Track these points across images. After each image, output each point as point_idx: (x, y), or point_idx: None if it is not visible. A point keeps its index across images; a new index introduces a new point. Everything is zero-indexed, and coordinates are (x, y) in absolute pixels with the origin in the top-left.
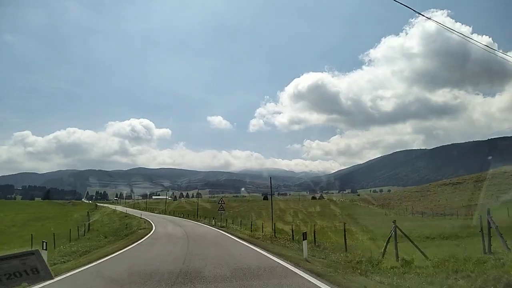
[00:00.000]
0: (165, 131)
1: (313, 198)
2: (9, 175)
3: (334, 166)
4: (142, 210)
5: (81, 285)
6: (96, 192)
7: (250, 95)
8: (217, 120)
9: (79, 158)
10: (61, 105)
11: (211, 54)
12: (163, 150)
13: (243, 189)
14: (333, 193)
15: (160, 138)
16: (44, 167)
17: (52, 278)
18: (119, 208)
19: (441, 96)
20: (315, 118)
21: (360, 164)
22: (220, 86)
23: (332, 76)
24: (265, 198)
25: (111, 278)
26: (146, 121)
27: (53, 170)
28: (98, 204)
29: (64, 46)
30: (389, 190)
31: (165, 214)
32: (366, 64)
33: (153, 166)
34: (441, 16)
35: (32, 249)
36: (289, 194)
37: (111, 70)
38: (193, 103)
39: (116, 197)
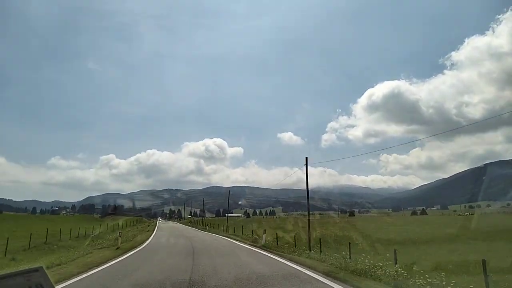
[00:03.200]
0: (238, 150)
1: (413, 213)
2: (96, 195)
3: (415, 181)
4: (193, 226)
5: None
6: (170, 210)
7: (320, 109)
8: (287, 137)
9: (158, 179)
10: (141, 129)
11: (280, 70)
12: (236, 169)
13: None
14: (419, 210)
15: (232, 156)
16: (128, 188)
17: None
18: (168, 224)
19: None
20: (393, 129)
21: (445, 178)
22: (289, 102)
23: (410, 84)
24: (352, 215)
25: None
26: (219, 141)
27: (135, 191)
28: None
29: (140, 72)
30: (488, 205)
31: (213, 233)
32: (448, 68)
33: (227, 184)
34: None
35: (37, 266)
36: (370, 212)
37: (184, 93)
38: (263, 120)
39: (190, 214)
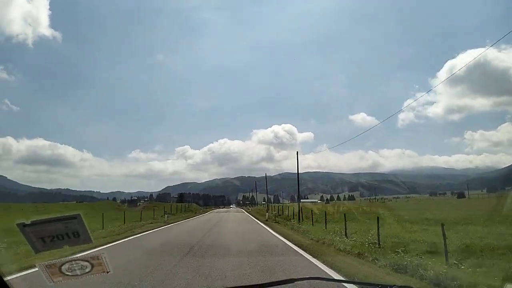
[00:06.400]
0: (308, 135)
1: None
2: (174, 185)
3: (506, 159)
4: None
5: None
6: (243, 196)
7: (395, 86)
8: (360, 118)
9: (231, 167)
10: (211, 119)
11: (347, 47)
12: (307, 154)
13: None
14: None
15: (303, 142)
16: (203, 177)
17: (92, 242)
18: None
19: None
20: (480, 103)
21: None
22: (360, 80)
23: (498, 51)
24: (461, 196)
25: None
26: (288, 126)
27: (210, 179)
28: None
29: (206, 64)
30: None
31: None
32: None
33: (299, 170)
34: None
35: (75, 213)
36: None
37: (250, 80)
38: (333, 102)
39: (264, 201)
